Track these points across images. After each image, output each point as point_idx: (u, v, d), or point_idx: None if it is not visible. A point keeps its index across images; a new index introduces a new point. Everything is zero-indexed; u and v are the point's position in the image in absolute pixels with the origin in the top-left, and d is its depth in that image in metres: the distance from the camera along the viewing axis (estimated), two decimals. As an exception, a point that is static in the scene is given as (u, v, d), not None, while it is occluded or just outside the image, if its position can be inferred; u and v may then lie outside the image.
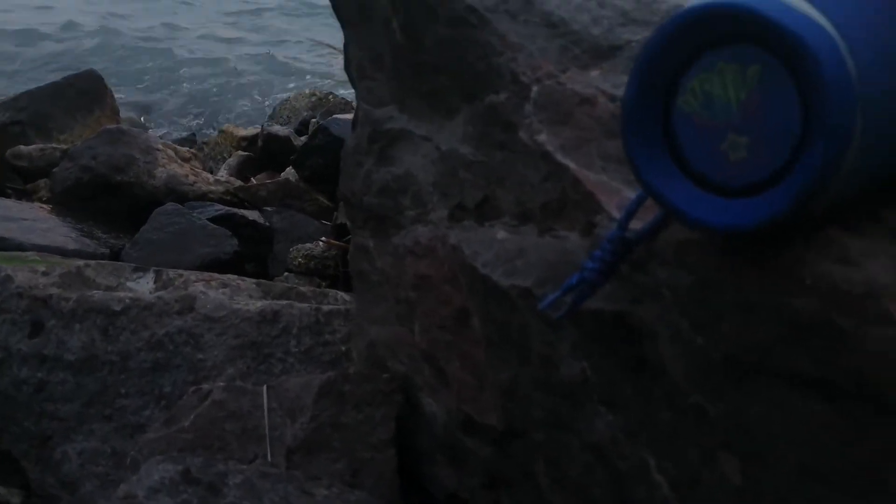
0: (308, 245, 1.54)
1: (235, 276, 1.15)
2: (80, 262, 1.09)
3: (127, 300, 1.01)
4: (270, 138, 1.94)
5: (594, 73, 0.57)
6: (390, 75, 0.76)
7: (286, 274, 1.57)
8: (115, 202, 1.61)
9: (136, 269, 1.11)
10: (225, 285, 1.11)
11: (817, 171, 0.33)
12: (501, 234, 0.63)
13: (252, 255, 1.55)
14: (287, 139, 1.92)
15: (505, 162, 0.62)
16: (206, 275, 1.12)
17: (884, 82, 0.34)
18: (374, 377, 0.83)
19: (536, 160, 0.57)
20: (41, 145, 1.80)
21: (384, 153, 0.80)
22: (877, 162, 0.38)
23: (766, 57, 0.35)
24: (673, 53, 0.37)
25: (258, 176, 1.92)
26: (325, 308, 1.06)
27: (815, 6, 0.34)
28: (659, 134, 0.39)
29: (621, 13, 0.59)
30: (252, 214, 1.59)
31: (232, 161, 1.97)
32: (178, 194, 1.65)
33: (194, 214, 1.49)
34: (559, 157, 0.54)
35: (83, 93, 1.98)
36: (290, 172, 1.83)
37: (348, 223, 1.22)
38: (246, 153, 2.00)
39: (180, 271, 1.10)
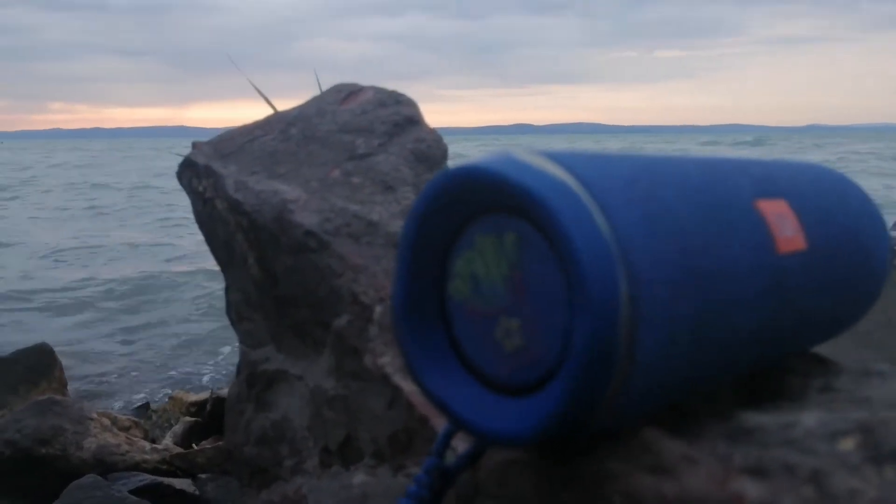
0: (242, 515, 1.39)
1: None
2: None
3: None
4: (218, 402, 1.86)
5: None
6: (263, 314, 0.72)
7: (215, 550, 1.41)
8: (36, 477, 1.49)
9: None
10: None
11: (583, 363, 0.27)
12: (359, 478, 0.54)
13: (179, 529, 1.40)
14: (235, 401, 1.84)
15: (360, 393, 0.56)
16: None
17: (665, 249, 0.29)
18: None
19: (381, 386, 0.51)
20: (-28, 422, 1.70)
21: (262, 398, 0.73)
22: (703, 349, 0.32)
23: (519, 223, 0.30)
24: (435, 231, 0.33)
25: (203, 442, 1.81)
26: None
27: (562, 165, 0.30)
28: (438, 329, 0.33)
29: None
30: (182, 483, 1.46)
31: (178, 428, 1.87)
32: (107, 465, 1.53)
33: (114, 486, 1.37)
34: (397, 379, 0.48)
35: (30, 369, 1.94)
36: (234, 436, 1.72)
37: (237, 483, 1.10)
38: (194, 419, 1.91)
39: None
